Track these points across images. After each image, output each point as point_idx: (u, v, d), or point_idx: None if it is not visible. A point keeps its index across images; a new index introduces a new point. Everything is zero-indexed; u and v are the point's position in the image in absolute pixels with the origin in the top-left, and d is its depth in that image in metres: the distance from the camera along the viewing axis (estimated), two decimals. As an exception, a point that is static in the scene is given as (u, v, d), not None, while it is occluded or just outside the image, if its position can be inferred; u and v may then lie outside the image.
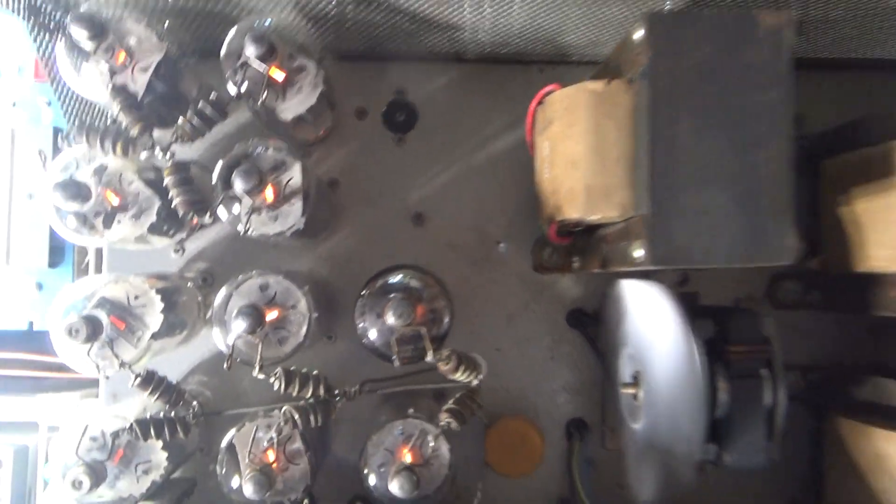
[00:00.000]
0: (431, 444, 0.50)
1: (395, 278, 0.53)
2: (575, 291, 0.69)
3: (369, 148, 0.69)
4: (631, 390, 0.56)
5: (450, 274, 0.69)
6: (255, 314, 0.49)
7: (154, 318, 0.54)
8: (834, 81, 0.71)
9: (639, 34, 0.49)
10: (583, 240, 0.63)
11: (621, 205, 0.51)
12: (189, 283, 0.66)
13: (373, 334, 0.51)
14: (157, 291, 0.56)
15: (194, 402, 0.59)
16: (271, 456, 0.50)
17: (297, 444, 0.52)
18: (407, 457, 0.49)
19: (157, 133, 0.60)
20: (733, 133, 0.48)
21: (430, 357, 0.49)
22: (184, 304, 0.62)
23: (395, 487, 0.48)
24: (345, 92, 0.69)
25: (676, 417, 0.52)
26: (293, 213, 0.54)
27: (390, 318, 0.48)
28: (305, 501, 0.58)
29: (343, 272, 0.68)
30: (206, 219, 0.52)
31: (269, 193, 0.52)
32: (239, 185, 0.49)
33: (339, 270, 0.68)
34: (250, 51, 0.50)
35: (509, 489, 0.68)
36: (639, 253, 0.48)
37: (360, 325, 0.52)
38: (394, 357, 0.49)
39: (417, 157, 0.70)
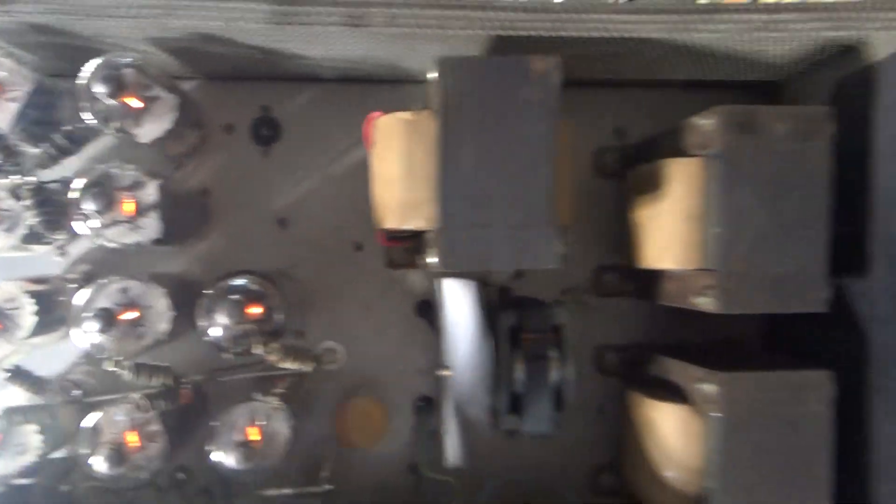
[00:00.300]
0: (264, 422, 0.59)
1: (231, 282, 0.62)
2: (423, 285, 0.79)
3: (237, 160, 0.77)
4: (445, 372, 0.65)
5: (312, 272, 0.78)
6: (105, 316, 0.57)
7: (26, 319, 0.61)
8: (651, 98, 0.81)
9: (433, 74, 0.58)
10: (419, 240, 0.72)
11: (429, 218, 0.60)
12: (72, 284, 0.73)
13: (211, 331, 0.60)
14: (33, 294, 0.64)
15: (74, 391, 0.67)
16: (127, 436, 0.58)
17: (154, 426, 0.61)
18: (243, 434, 0.58)
19: (33, 150, 0.67)
20: (510, 159, 0.57)
21: (257, 350, 0.58)
22: (64, 304, 0.70)
23: (231, 461, 0.57)
24: (213, 109, 0.77)
25: (476, 393, 0.62)
26: (150, 226, 0.62)
27: (223, 318, 0.56)
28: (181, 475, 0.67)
29: (214, 272, 0.75)
30: (65, 236, 0.59)
31: (126, 207, 0.60)
32: (89, 205, 0.56)
33: (210, 271, 0.76)
34: (98, 88, 0.57)
35: (365, 459, 0.78)
36: (432, 259, 0.58)
37: (201, 322, 0.60)
38: (228, 351, 0.58)
39: (282, 167, 0.78)
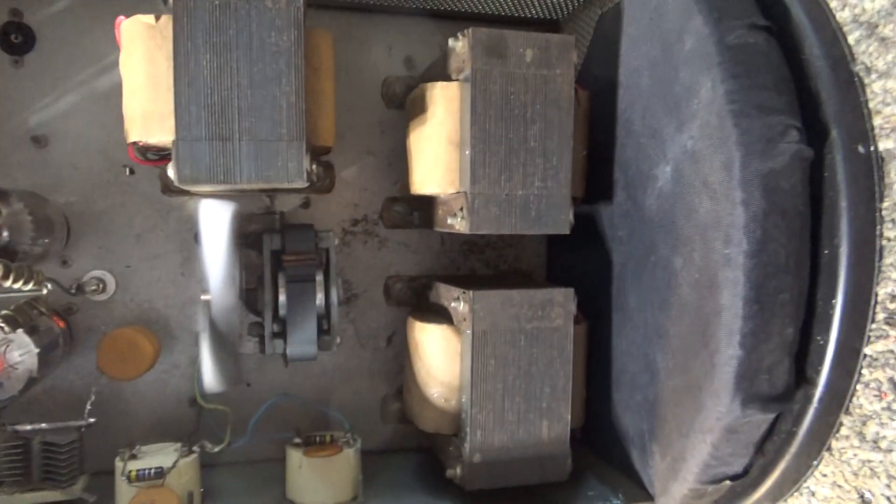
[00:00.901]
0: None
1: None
2: (203, 213, 0.76)
3: (-18, 69, 0.70)
4: (205, 297, 0.63)
5: (74, 195, 0.72)
6: None
7: None
8: (442, 29, 0.81)
9: (167, -28, 0.54)
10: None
11: (172, 130, 0.57)
12: None
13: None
14: None
15: None
16: None
17: None
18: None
19: None
20: (253, 69, 0.55)
21: (-31, 267, 0.53)
22: None
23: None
24: (-49, 10, 0.68)
25: (230, 317, 0.61)
26: None
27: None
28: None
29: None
30: None
31: None
32: None
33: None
34: None
35: (142, 393, 0.75)
36: (171, 172, 0.55)
37: None
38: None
39: (37, 80, 0.71)
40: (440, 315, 0.70)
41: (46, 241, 0.65)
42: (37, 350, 0.59)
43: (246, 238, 0.67)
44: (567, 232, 0.62)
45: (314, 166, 0.57)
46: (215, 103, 0.54)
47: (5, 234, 0.56)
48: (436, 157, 0.64)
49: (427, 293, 0.76)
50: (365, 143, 0.80)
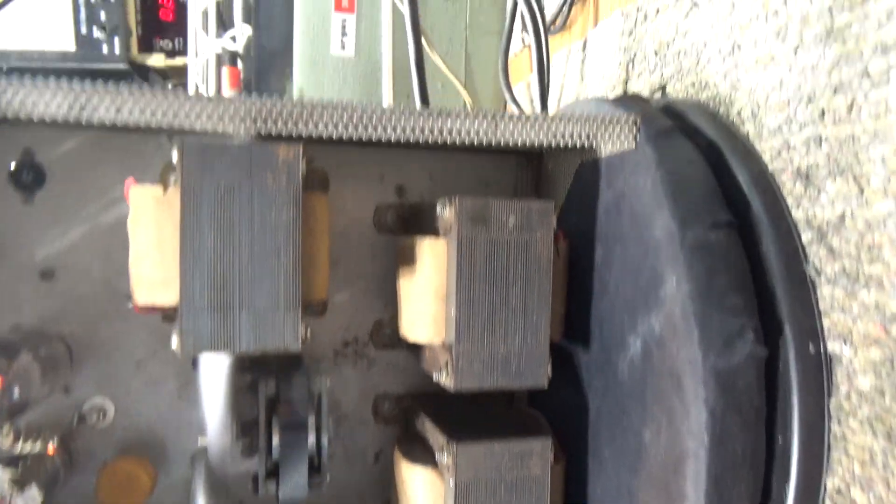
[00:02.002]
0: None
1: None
2: (200, 339, 0.79)
3: (-6, 207, 0.73)
4: (202, 441, 0.67)
5: (79, 326, 0.75)
6: None
7: None
8: (434, 159, 0.85)
9: (175, 156, 0.58)
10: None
11: (177, 293, 0.60)
12: None
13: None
14: None
15: None
16: None
17: None
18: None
19: None
20: (253, 244, 0.59)
21: (-19, 433, 0.56)
22: None
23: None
24: (-34, 152, 0.72)
25: (225, 459, 0.64)
26: None
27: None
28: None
29: (-39, 329, 0.72)
30: None
31: None
32: None
33: (-44, 328, 0.72)
34: None
35: (133, 514, 0.77)
36: (174, 344, 0.58)
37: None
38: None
39: (46, 216, 0.74)
40: (426, 447, 0.74)
41: (52, 379, 0.68)
42: (41, 500, 0.62)
43: (242, 375, 0.70)
44: (545, 386, 0.65)
45: (307, 329, 0.61)
46: (218, 277, 0.58)
47: (16, 391, 0.59)
48: (424, 310, 0.67)
49: (414, 417, 0.80)
50: (356, 267, 0.84)
